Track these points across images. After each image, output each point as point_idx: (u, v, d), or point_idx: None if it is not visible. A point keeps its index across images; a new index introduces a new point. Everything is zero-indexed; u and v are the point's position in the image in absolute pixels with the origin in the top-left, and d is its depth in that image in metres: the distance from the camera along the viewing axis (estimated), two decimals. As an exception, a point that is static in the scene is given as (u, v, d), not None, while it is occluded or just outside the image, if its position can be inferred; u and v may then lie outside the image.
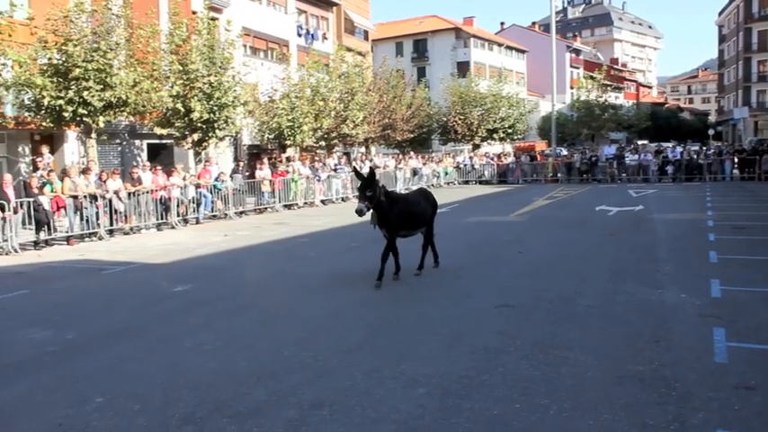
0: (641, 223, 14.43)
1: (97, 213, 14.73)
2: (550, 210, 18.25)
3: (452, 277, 8.87)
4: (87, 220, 14.58)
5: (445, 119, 38.10)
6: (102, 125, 17.45)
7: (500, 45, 62.52)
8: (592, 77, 45.87)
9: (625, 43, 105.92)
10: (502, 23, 74.41)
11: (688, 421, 4.06)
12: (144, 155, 23.15)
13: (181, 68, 18.97)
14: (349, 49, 35.71)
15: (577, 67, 73.01)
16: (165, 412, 4.47)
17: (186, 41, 19.48)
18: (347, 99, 27.61)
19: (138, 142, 23.35)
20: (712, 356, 5.24)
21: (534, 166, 32.59)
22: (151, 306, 7.91)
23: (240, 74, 20.55)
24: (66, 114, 16.39)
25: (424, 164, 31.00)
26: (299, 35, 35.29)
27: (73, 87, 16.21)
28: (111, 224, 15.22)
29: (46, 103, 16.07)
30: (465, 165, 33.13)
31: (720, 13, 67.10)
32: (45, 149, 17.88)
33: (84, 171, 15.57)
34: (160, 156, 22.80)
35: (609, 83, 52.24)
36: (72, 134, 20.19)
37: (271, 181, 20.71)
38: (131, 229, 15.66)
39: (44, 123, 17.10)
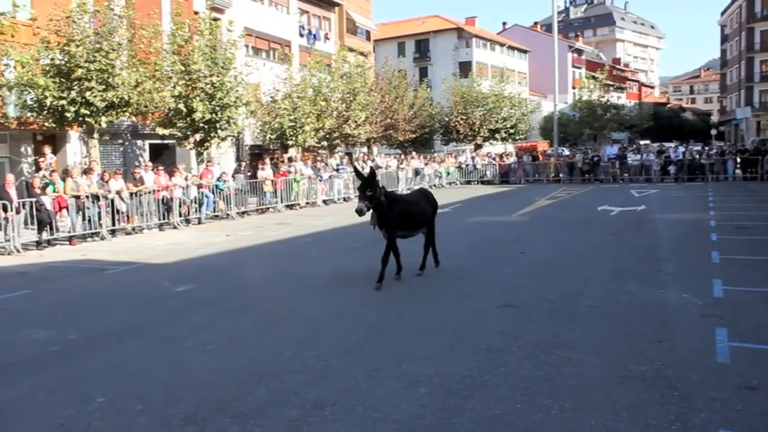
0: (643, 223, 14.41)
1: (99, 213, 14.75)
2: (552, 210, 18.24)
3: (454, 277, 8.87)
4: (89, 221, 14.60)
5: (447, 119, 38.13)
6: (104, 125, 17.49)
7: (502, 45, 62.49)
8: (594, 77, 45.84)
9: (627, 43, 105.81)
10: (504, 23, 74.60)
11: (690, 421, 4.06)
12: (146, 155, 23.17)
13: (183, 69, 18.99)
14: (351, 50, 35.74)
15: (579, 67, 72.99)
16: (167, 412, 4.47)
17: (188, 42, 19.49)
18: (349, 99, 27.63)
19: (140, 142, 23.38)
20: (714, 356, 5.23)
21: (536, 167, 32.58)
22: (153, 306, 7.91)
23: (242, 74, 20.56)
24: (68, 115, 16.42)
25: (426, 164, 31.02)
26: (301, 35, 35.30)
27: (75, 88, 16.24)
28: (114, 224, 15.24)
29: (48, 104, 16.10)
30: (467, 165, 33.14)
31: (723, 13, 67.03)
32: (47, 150, 17.93)
33: (87, 171, 15.61)
34: (162, 156, 22.83)
35: (611, 83, 52.23)
36: (74, 134, 20.22)
37: (273, 181, 20.71)
38: (133, 229, 15.69)
39: (46, 124, 17.13)
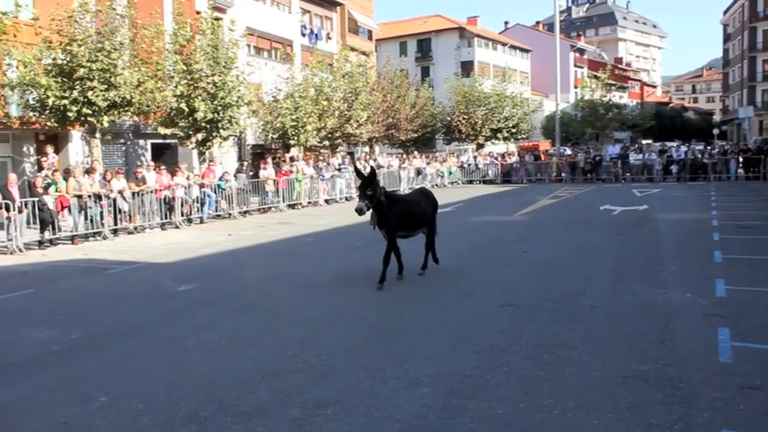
0: (645, 223, 14.40)
1: (101, 213, 14.76)
2: (554, 209, 18.23)
3: (456, 277, 8.86)
4: (91, 220, 14.62)
5: (449, 118, 38.11)
6: (106, 125, 17.50)
7: (504, 44, 62.42)
8: (596, 77, 45.82)
9: (629, 42, 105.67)
10: (506, 23, 74.38)
11: (693, 421, 4.05)
12: (148, 154, 23.18)
13: (185, 68, 19.00)
14: (353, 49, 35.69)
15: (581, 67, 72.90)
16: (170, 411, 4.47)
17: (190, 41, 19.51)
18: (351, 99, 27.61)
19: (142, 142, 23.39)
20: (717, 356, 5.22)
21: (538, 166, 32.55)
22: (155, 305, 7.92)
23: (244, 73, 20.56)
24: (70, 114, 16.43)
25: (428, 163, 31.00)
26: (303, 35, 35.30)
27: (77, 87, 16.26)
28: (116, 224, 15.26)
29: (50, 103, 16.12)
30: (469, 164, 33.11)
31: (725, 12, 66.89)
32: (49, 149, 17.93)
33: (89, 171, 15.63)
34: (164, 155, 22.84)
35: (613, 82, 52.20)
36: (76, 134, 20.24)
37: (275, 180, 20.72)
38: (135, 228, 15.70)
39: (49, 123, 17.14)
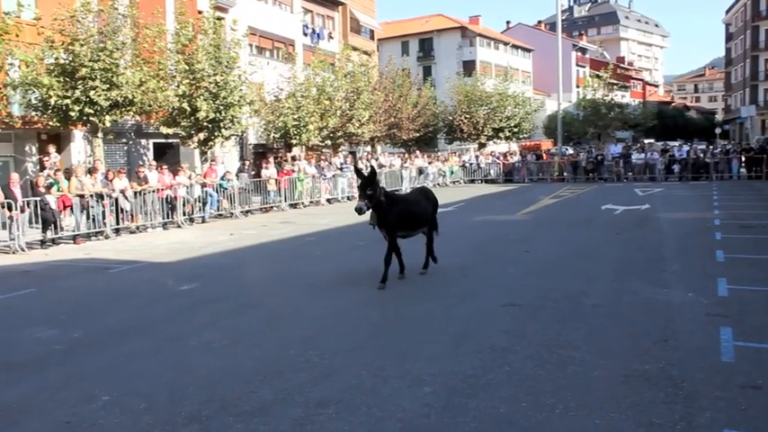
0: (647, 222, 14.38)
1: (103, 212, 14.78)
2: (556, 209, 18.21)
3: (458, 276, 8.86)
4: (94, 219, 14.64)
5: (451, 118, 38.10)
6: (108, 124, 17.52)
7: (506, 44, 62.38)
8: (598, 76, 45.80)
9: (631, 42, 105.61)
10: (508, 22, 74.25)
11: (695, 421, 4.05)
12: (150, 154, 23.21)
13: (187, 68, 19.02)
14: (355, 49, 35.71)
15: (583, 66, 72.83)
16: (171, 410, 4.48)
17: (192, 41, 19.53)
18: (353, 98, 27.63)
19: (144, 141, 23.42)
20: (719, 356, 5.22)
21: (540, 165, 32.55)
22: (157, 305, 7.93)
23: (246, 73, 20.57)
24: (72, 114, 16.46)
25: (430, 163, 31.02)
26: (305, 34, 35.32)
27: (79, 87, 16.29)
28: (118, 223, 15.27)
29: (53, 103, 16.15)
30: (471, 164, 33.10)
31: (727, 12, 66.79)
32: (52, 149, 17.95)
33: (91, 170, 15.64)
34: (166, 155, 22.86)
35: (615, 81, 52.17)
36: (78, 133, 20.27)
37: (276, 180, 20.73)
38: (137, 227, 15.72)
39: (51, 123, 17.17)
